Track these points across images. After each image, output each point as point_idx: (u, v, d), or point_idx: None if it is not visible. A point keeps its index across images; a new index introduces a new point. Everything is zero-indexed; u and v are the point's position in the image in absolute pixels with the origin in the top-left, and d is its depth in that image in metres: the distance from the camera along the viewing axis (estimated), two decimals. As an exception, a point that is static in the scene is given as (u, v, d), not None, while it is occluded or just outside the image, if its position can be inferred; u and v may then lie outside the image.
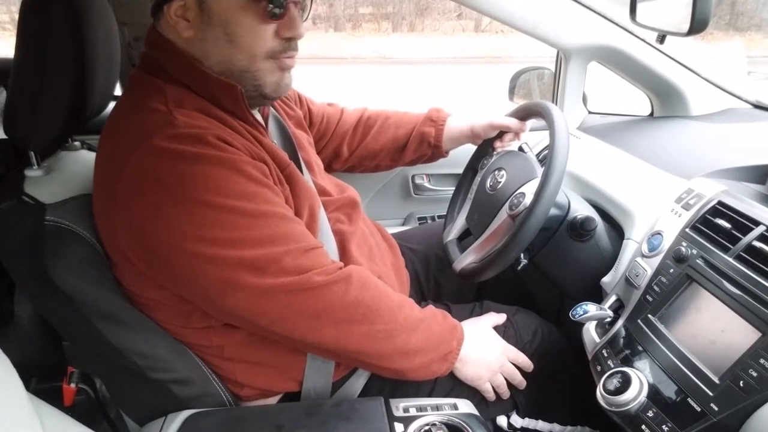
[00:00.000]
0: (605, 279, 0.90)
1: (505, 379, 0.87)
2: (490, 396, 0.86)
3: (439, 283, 1.15)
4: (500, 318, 0.93)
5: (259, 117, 0.83)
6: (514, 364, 0.87)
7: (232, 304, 0.69)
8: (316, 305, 0.70)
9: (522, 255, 0.88)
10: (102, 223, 0.73)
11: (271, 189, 0.72)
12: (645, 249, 0.82)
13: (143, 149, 0.66)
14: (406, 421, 0.75)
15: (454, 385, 0.86)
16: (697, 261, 0.73)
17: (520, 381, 0.87)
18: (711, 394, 0.62)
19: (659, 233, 0.82)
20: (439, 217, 1.54)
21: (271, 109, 0.90)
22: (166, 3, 0.70)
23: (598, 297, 0.90)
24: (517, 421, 0.91)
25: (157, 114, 0.69)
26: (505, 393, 0.87)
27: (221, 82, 0.73)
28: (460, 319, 0.88)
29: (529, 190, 0.86)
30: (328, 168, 1.16)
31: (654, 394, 0.68)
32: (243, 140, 0.73)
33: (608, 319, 0.82)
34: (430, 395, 0.85)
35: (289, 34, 0.73)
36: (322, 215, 0.86)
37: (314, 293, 0.70)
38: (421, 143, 1.13)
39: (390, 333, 0.74)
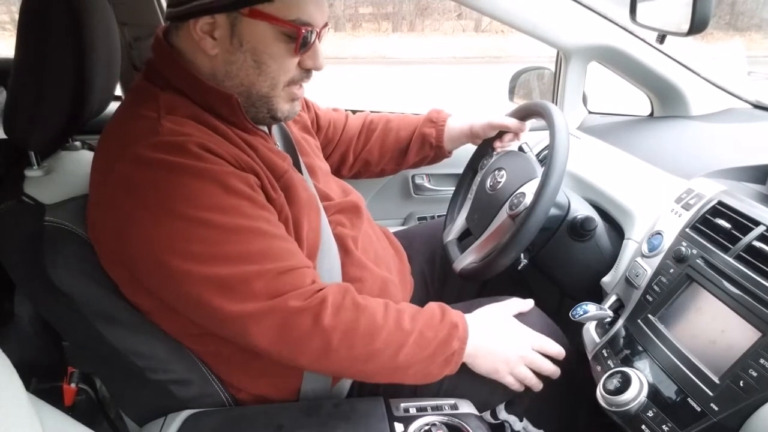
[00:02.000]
0: (605, 279, 0.90)
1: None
2: (515, 388, 0.81)
3: (443, 281, 1.15)
4: (526, 304, 0.88)
5: (263, 126, 0.82)
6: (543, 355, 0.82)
7: (204, 322, 0.69)
8: (288, 335, 0.68)
9: (522, 255, 0.88)
10: (91, 228, 0.73)
11: (254, 202, 0.69)
12: (645, 249, 0.82)
13: (126, 157, 0.66)
14: (406, 421, 0.75)
15: (456, 386, 0.84)
16: (697, 261, 0.73)
17: (552, 371, 0.81)
18: (711, 394, 0.62)
19: (659, 233, 0.82)
20: (439, 216, 1.54)
21: None
22: (193, 17, 0.69)
23: (598, 297, 0.90)
24: (502, 414, 0.89)
25: (145, 121, 0.68)
26: (536, 385, 0.81)
27: (218, 92, 0.72)
28: None
29: (530, 189, 0.86)
30: (336, 174, 1.15)
31: (654, 394, 0.68)
32: (233, 148, 0.71)
33: (608, 319, 0.82)
34: (430, 395, 0.84)
35: (311, 65, 0.75)
36: (325, 224, 0.86)
37: (285, 319, 0.67)
38: (423, 145, 1.13)
39: (371, 353, 0.71)
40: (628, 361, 0.74)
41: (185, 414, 0.77)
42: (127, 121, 0.71)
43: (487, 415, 0.90)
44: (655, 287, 0.77)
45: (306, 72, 0.76)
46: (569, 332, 0.94)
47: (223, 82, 0.73)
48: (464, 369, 0.82)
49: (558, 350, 0.83)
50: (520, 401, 0.89)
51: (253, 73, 0.72)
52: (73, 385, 0.98)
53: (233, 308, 0.65)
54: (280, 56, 0.71)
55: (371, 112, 1.23)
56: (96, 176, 0.71)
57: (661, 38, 1.04)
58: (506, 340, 0.81)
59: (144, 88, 0.74)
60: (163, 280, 0.67)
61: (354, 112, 1.22)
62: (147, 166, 0.65)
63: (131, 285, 0.73)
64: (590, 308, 0.80)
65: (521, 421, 0.90)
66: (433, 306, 0.79)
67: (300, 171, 0.87)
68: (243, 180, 0.69)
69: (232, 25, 0.69)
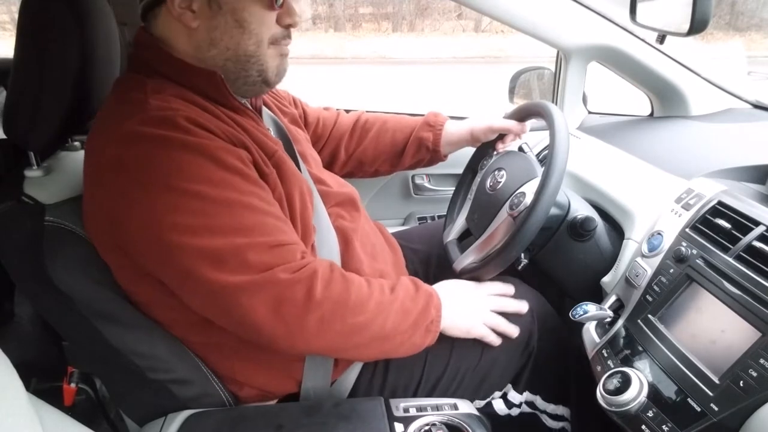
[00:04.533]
0: (605, 279, 0.90)
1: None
2: (492, 339, 0.86)
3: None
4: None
5: (249, 106, 0.84)
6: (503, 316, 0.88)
7: (193, 298, 0.70)
8: (281, 306, 0.68)
9: (522, 255, 0.88)
10: (85, 216, 0.74)
11: (245, 177, 0.70)
12: (645, 249, 0.82)
13: (116, 136, 0.66)
14: (406, 421, 0.75)
15: (457, 371, 0.86)
16: (697, 261, 0.73)
17: (516, 307, 0.89)
18: (711, 394, 0.62)
19: (659, 233, 0.82)
20: (439, 217, 1.54)
21: (264, 107, 0.91)
22: None
23: (598, 297, 0.90)
24: (515, 397, 0.91)
25: (133, 103, 0.69)
26: (508, 329, 0.87)
27: (201, 70, 0.74)
28: None
29: (530, 189, 0.86)
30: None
31: (654, 394, 0.68)
32: (222, 125, 0.72)
33: (608, 319, 0.82)
34: (435, 378, 0.85)
35: (289, 21, 0.77)
36: (321, 207, 0.86)
37: (278, 292, 0.67)
38: (419, 148, 1.13)
39: (363, 323, 0.73)
40: (628, 361, 0.74)
41: (185, 414, 0.77)
42: (114, 106, 0.72)
43: (501, 403, 0.91)
44: (655, 287, 0.77)
45: (285, 30, 0.78)
46: (569, 332, 0.95)
47: (209, 52, 0.74)
48: (466, 354, 0.86)
49: (505, 288, 0.91)
50: (521, 378, 0.91)
51: (237, 33, 0.73)
52: (73, 385, 0.98)
53: (225, 279, 0.65)
54: (258, 12, 0.73)
55: (366, 111, 1.23)
56: (88, 164, 0.72)
57: (661, 38, 1.04)
58: (470, 297, 0.88)
59: (130, 78, 0.75)
60: (158, 255, 0.67)
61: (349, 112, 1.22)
62: (136, 141, 0.65)
63: (129, 272, 0.74)
64: (590, 308, 0.80)
65: (521, 394, 0.92)
66: (406, 279, 0.82)
67: (293, 157, 0.87)
68: (234, 155, 0.70)
69: None
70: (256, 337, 0.71)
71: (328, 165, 1.16)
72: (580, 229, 0.88)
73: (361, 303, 0.73)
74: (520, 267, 0.90)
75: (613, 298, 0.85)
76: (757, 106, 1.27)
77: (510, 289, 0.92)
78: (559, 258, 0.92)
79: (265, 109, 0.92)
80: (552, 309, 0.96)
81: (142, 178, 0.65)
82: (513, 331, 0.87)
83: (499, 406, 0.91)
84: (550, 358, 0.91)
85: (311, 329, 0.69)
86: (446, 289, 0.87)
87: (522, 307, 0.90)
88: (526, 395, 0.91)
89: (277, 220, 0.72)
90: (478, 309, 0.87)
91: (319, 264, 0.73)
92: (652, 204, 0.89)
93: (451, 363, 0.86)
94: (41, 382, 1.04)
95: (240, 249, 0.66)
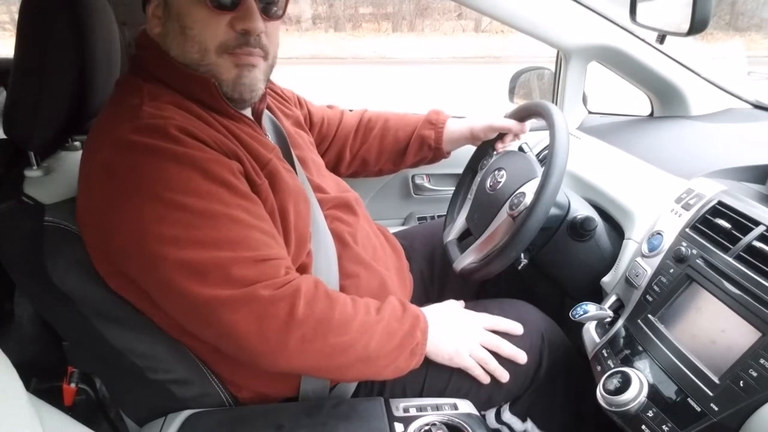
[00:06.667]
0: (605, 279, 0.90)
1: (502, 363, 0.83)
2: (478, 373, 0.82)
3: (443, 281, 1.15)
4: (459, 303, 0.91)
5: (247, 112, 0.82)
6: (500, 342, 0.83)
7: (176, 311, 0.69)
8: (262, 323, 0.66)
9: (522, 255, 0.88)
10: (78, 222, 0.74)
11: (232, 190, 0.68)
12: (645, 249, 0.82)
13: (109, 141, 0.66)
14: (406, 421, 0.75)
15: (461, 384, 0.84)
16: (697, 261, 0.73)
17: (509, 353, 0.83)
18: (711, 394, 0.62)
19: (659, 233, 0.82)
20: (439, 216, 1.54)
21: (266, 110, 0.90)
22: (147, 3, 0.72)
23: (598, 297, 0.90)
24: (508, 417, 0.90)
25: (128, 108, 0.69)
26: (497, 369, 0.82)
27: (196, 77, 0.73)
28: None
29: (530, 189, 0.86)
30: (333, 172, 1.15)
31: (654, 394, 0.68)
32: (215, 134, 0.71)
33: (608, 319, 0.82)
34: (437, 393, 0.84)
35: (242, 26, 0.70)
36: (318, 213, 0.86)
37: (259, 309, 0.66)
38: (422, 146, 1.13)
39: (346, 344, 0.70)
40: (628, 361, 0.74)
41: (185, 414, 0.77)
42: (111, 110, 0.72)
43: (491, 416, 0.90)
44: (655, 287, 0.77)
45: (243, 35, 0.71)
46: (569, 332, 0.95)
47: (175, 59, 0.73)
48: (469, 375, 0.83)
49: (510, 326, 0.85)
50: (524, 401, 0.89)
51: (181, 40, 0.71)
52: (73, 385, 0.98)
53: (206, 293, 0.64)
54: (202, 18, 0.70)
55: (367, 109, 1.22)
56: (83, 165, 0.72)
57: (661, 38, 1.04)
58: (459, 325, 0.84)
59: (129, 81, 0.75)
60: (142, 265, 0.67)
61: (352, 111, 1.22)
62: (126, 149, 0.65)
63: (119, 279, 0.73)
64: (590, 308, 0.80)
65: (524, 422, 0.90)
66: (393, 299, 0.80)
67: (291, 162, 0.87)
68: (224, 166, 0.69)
69: None
70: (237, 353, 0.70)
71: (334, 165, 1.16)
72: (580, 229, 0.88)
73: (345, 323, 0.71)
74: (520, 267, 0.89)
75: (613, 298, 0.85)
76: (757, 106, 1.28)
77: (516, 329, 0.86)
78: (559, 258, 0.92)
79: (266, 113, 0.91)
80: (568, 341, 0.92)
81: (130, 187, 0.65)
82: (503, 374, 0.82)
83: (490, 418, 0.90)
84: (556, 390, 0.89)
85: (293, 348, 0.68)
86: (435, 313, 0.84)
87: (520, 356, 0.83)
88: (516, 420, 0.90)
89: (264, 234, 0.70)
90: (467, 339, 0.82)
91: (304, 281, 0.71)
92: (652, 204, 0.89)
93: (451, 383, 0.84)
94: (41, 382, 1.04)
95: (223, 262, 0.65)
